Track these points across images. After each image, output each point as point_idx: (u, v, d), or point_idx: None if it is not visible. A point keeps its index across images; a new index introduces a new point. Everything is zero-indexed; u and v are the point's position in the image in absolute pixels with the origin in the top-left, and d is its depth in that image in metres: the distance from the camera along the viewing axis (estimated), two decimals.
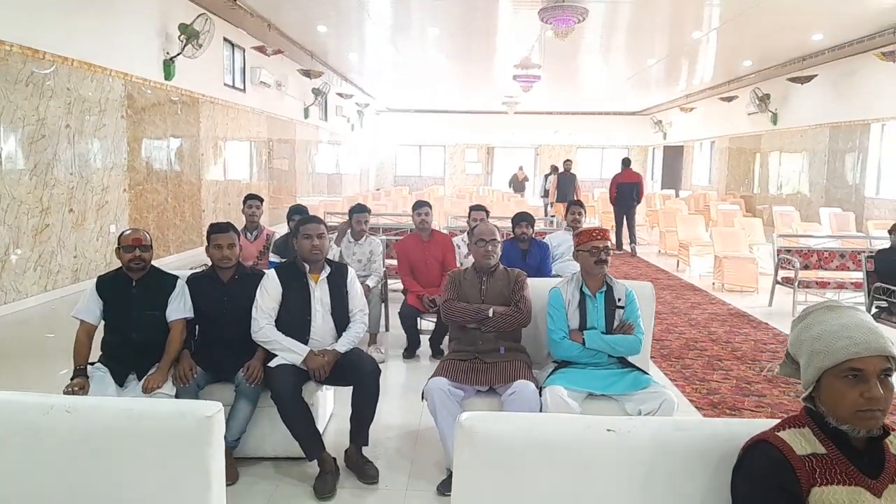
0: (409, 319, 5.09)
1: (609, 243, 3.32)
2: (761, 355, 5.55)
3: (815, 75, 13.95)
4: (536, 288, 3.59)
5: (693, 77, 18.05)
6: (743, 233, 9.38)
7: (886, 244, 8.17)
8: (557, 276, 5.48)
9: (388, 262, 6.27)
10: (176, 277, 3.37)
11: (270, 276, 3.34)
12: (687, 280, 9.50)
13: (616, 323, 3.27)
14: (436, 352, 5.18)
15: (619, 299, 3.30)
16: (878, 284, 5.53)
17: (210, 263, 3.45)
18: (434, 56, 15.48)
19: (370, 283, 5.26)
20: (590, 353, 3.21)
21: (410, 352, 5.22)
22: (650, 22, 11.57)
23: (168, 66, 9.61)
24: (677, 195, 20.23)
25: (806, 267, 7.27)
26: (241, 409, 3.17)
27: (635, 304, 3.32)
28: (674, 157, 24.98)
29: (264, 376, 3.18)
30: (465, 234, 5.63)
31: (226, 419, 2.85)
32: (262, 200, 5.70)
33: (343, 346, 3.32)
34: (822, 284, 7.21)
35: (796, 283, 7.10)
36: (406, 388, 4.66)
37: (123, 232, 3.27)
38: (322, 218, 3.83)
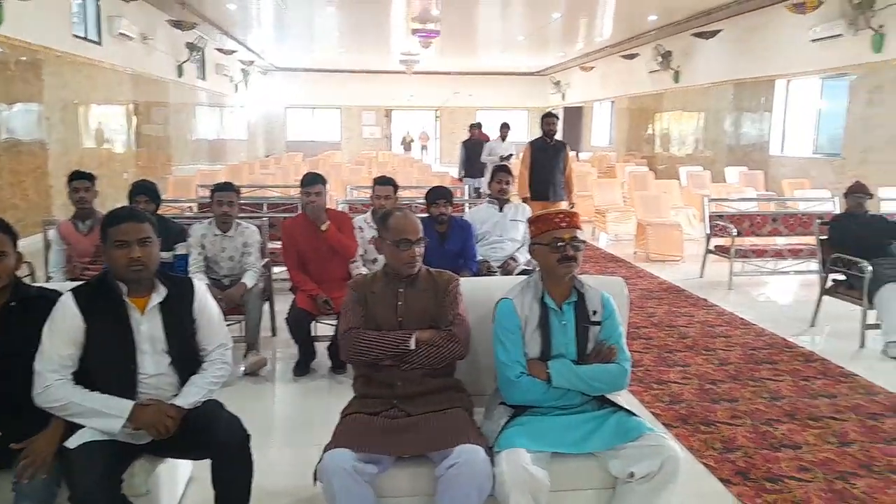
0: (299, 326, 3.94)
1: (578, 231, 2.35)
2: (714, 342, 4.85)
3: (720, 30, 13.61)
4: (471, 292, 2.59)
5: (593, 33, 17.48)
6: (666, 197, 8.78)
7: (815, 206, 7.84)
8: (485, 260, 4.51)
9: (275, 244, 5.07)
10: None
11: (64, 304, 2.15)
12: (606, 249, 8.85)
13: (591, 346, 2.33)
14: (336, 365, 4.10)
15: (594, 311, 2.35)
16: (836, 255, 4.92)
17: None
18: (324, 7, 13.98)
19: (247, 281, 4.09)
20: (557, 392, 2.26)
21: (303, 366, 4.09)
22: None
23: None
24: (577, 157, 19.80)
25: (739, 234, 6.69)
26: None
27: (616, 316, 2.38)
28: (574, 119, 24.61)
29: (59, 463, 2.01)
30: (370, 213, 4.52)
31: None
32: (93, 179, 4.29)
33: (188, 398, 2.20)
34: (760, 253, 6.65)
35: (733, 252, 6.51)
36: (298, 425, 3.57)
37: None
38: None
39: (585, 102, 23.56)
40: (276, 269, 5.26)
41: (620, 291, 2.76)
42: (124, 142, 12.10)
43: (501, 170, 4.93)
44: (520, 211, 4.88)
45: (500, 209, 4.82)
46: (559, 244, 2.27)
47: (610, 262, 8.00)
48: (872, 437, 3.33)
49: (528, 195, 6.81)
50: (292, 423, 3.63)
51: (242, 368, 4.01)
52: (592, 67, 21.55)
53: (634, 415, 2.25)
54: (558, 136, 7.07)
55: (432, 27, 14.67)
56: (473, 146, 10.91)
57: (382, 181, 4.38)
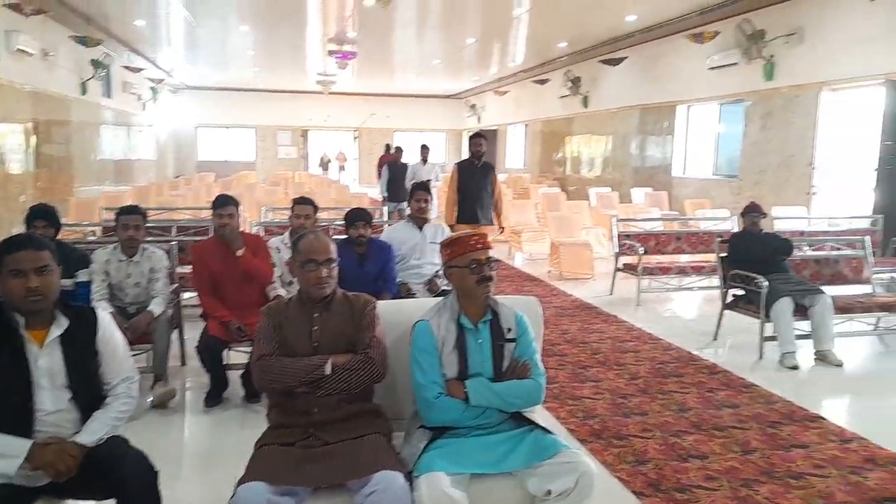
0: (211, 354, 3.80)
1: (490, 253, 2.40)
2: (624, 357, 5.02)
3: (626, 58, 14.26)
4: (390, 314, 2.58)
5: (506, 59, 17.95)
6: (577, 217, 9.06)
7: (715, 225, 8.28)
8: (404, 283, 4.51)
9: (185, 268, 4.88)
10: None
11: None
12: (522, 269, 9.04)
13: (507, 363, 2.37)
14: (250, 394, 3.98)
15: (509, 329, 2.40)
16: (735, 272, 5.21)
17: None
18: (237, 26, 13.73)
19: (154, 308, 3.92)
20: (475, 411, 2.28)
21: (215, 397, 3.94)
22: None
23: None
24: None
25: (646, 252, 6.99)
26: None
27: (529, 333, 2.44)
28: (489, 141, 25.10)
29: None
30: (287, 233, 4.44)
31: None
32: None
33: (91, 434, 2.08)
34: (665, 270, 6.96)
35: (640, 270, 6.78)
36: (210, 458, 3.43)
37: None
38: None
39: (500, 125, 24.09)
40: (185, 295, 5.07)
41: (535, 310, 2.82)
42: (22, 162, 11.39)
43: (420, 188, 4.90)
44: (439, 233, 4.84)
45: (420, 229, 4.79)
46: (476, 266, 2.31)
47: (526, 280, 8.17)
48: (772, 444, 3.52)
49: (454, 220, 6.62)
50: (204, 456, 3.48)
51: (150, 400, 3.83)
52: (506, 91, 22.10)
53: (550, 432, 2.30)
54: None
55: (349, 48, 14.66)
56: (398, 168, 10.73)
57: (302, 201, 4.34)
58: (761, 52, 10.15)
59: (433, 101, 27.53)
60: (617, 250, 7.13)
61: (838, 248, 5.96)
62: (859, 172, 8.68)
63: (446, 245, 2.44)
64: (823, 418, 3.89)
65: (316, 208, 4.33)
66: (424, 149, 10.07)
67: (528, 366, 2.36)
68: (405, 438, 2.38)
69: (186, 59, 18.73)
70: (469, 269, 2.32)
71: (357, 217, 4.18)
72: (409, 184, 9.82)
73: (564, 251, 8.25)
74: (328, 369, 2.23)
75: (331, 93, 22.86)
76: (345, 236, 4.23)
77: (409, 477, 2.10)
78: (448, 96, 27.22)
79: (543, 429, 2.31)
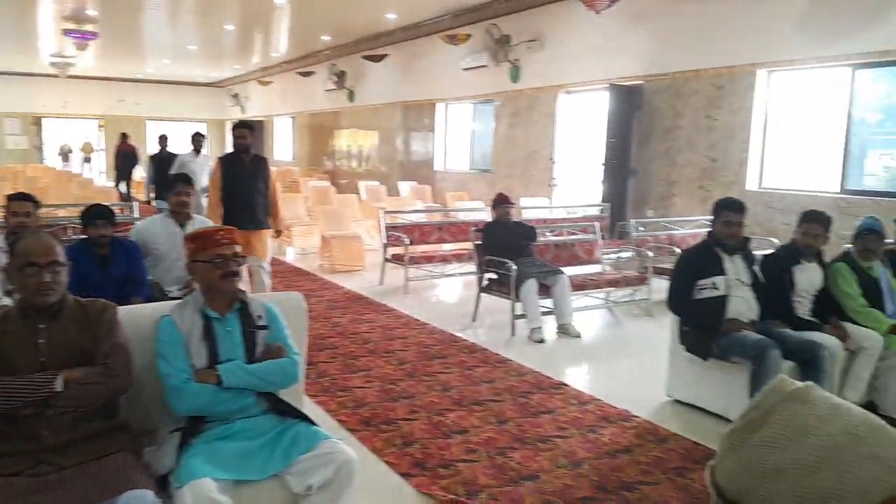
0: None
1: (239, 247, 2.35)
2: (393, 343, 5.18)
3: (388, 55, 14.62)
4: (137, 319, 2.38)
5: (269, 49, 17.45)
6: (347, 210, 9.13)
7: (472, 216, 8.86)
8: (156, 282, 4.17)
9: None
10: None
11: None
12: (293, 263, 8.89)
13: (259, 349, 2.34)
14: None
15: (260, 316, 2.39)
16: (488, 258, 5.63)
17: None
18: None
19: None
20: (230, 395, 2.22)
21: None
22: None
23: None
24: None
25: (411, 242, 7.27)
26: None
27: (280, 320, 2.45)
28: (255, 132, 24.21)
29: None
30: (2, 235, 3.86)
31: None
32: None
33: None
34: (430, 259, 7.30)
35: (407, 260, 7.04)
36: None
37: None
38: None
39: (267, 117, 23.35)
40: None
41: (299, 305, 2.80)
42: None
43: (181, 179, 4.44)
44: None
45: (182, 226, 4.29)
46: (220, 261, 2.27)
47: (297, 275, 8.05)
48: (524, 412, 3.87)
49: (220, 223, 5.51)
50: None
51: None
52: (270, 82, 21.46)
53: (314, 424, 2.30)
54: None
55: (89, 28, 13.17)
56: (166, 160, 8.85)
57: (18, 197, 3.84)
58: (508, 55, 11.04)
59: (191, 88, 25.78)
60: (385, 241, 7.32)
61: (574, 234, 6.72)
62: (591, 167, 9.85)
63: (190, 239, 2.39)
64: (566, 384, 4.37)
65: (38, 204, 3.84)
66: (198, 137, 8.35)
67: (283, 348, 2.36)
68: (157, 449, 2.22)
69: None
70: (213, 263, 2.29)
71: (96, 215, 3.75)
72: None
73: (335, 244, 8.27)
74: (59, 385, 1.98)
75: (69, 76, 20.32)
76: (84, 237, 3.79)
77: (167, 490, 1.96)
78: (209, 84, 25.69)
79: (307, 420, 2.30)
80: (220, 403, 2.21)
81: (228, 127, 26.52)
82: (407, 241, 7.08)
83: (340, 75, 16.83)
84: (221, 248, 2.29)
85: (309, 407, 3.67)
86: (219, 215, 5.38)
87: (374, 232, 9.70)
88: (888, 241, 4.23)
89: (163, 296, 4.05)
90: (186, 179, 4.50)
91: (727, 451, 0.79)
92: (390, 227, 7.35)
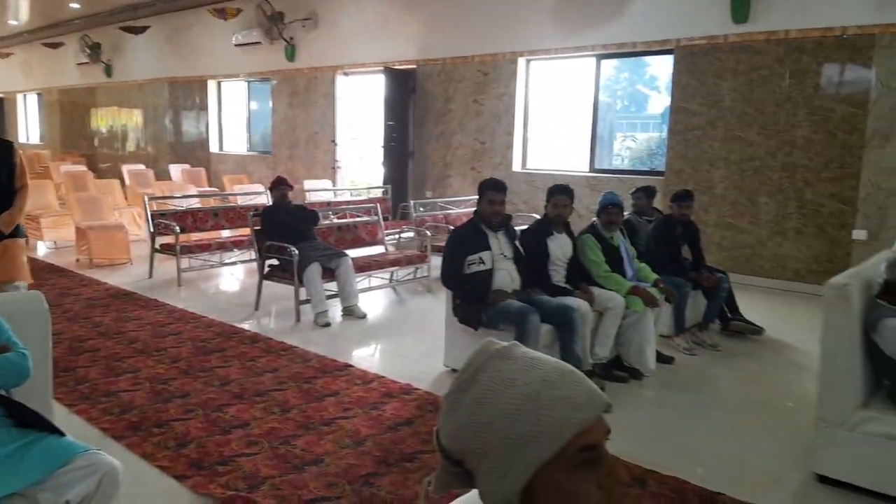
0: None
1: None
2: (164, 341, 4.83)
3: (149, 27, 13.45)
4: None
5: (6, 16, 15.16)
6: (108, 198, 8.28)
7: (252, 200, 8.51)
8: None
9: None
10: None
11: None
12: (45, 259, 7.90)
13: None
14: None
15: None
16: (269, 243, 5.46)
17: None
18: None
19: None
20: None
21: None
22: None
23: None
24: None
25: (184, 230, 6.81)
26: None
27: (2, 322, 2.20)
28: None
29: None
30: None
31: None
32: None
33: None
34: (205, 247, 6.88)
35: (178, 249, 6.58)
36: None
37: None
38: None
39: (8, 93, 20.33)
40: None
41: (40, 306, 2.49)
42: None
43: None
44: None
45: None
46: None
47: (49, 273, 7.16)
48: (308, 398, 3.83)
49: None
50: None
51: None
52: (10, 54, 18.72)
53: (63, 434, 2.07)
54: None
55: None
56: None
57: None
58: (282, 33, 10.72)
59: None
60: (152, 230, 6.77)
61: (357, 216, 6.77)
62: (374, 149, 9.97)
63: None
64: (352, 366, 4.40)
65: None
66: None
67: (7, 345, 2.15)
68: None
69: None
70: None
71: None
72: None
73: (94, 236, 7.47)
74: None
75: None
76: None
77: None
78: None
79: (58, 432, 2.07)
80: None
81: None
82: (177, 229, 6.61)
83: (94, 47, 15.17)
84: None
85: (64, 418, 3.33)
86: None
87: (140, 220, 8.95)
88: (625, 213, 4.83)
89: None
90: None
91: (446, 412, 0.84)
92: (157, 215, 6.81)
